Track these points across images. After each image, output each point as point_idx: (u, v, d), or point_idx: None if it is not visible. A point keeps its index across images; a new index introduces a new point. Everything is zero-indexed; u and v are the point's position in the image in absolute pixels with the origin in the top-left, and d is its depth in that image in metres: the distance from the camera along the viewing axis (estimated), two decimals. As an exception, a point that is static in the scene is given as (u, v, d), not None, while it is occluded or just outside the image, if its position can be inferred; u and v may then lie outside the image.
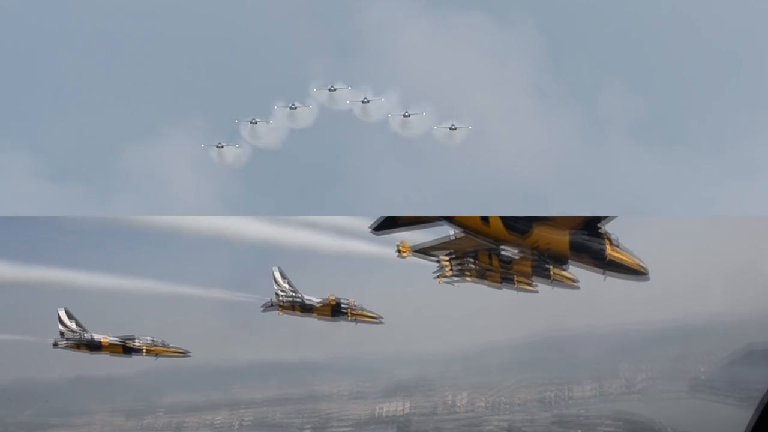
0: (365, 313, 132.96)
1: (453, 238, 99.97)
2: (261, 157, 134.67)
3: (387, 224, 78.78)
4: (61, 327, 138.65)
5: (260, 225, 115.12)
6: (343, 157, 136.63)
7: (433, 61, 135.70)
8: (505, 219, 78.61)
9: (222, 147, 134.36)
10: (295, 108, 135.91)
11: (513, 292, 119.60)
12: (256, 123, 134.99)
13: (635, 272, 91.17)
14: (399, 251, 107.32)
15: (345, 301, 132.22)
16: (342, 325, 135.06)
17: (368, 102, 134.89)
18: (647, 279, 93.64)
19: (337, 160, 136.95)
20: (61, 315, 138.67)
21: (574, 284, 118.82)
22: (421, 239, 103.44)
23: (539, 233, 79.98)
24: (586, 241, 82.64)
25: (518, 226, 79.15)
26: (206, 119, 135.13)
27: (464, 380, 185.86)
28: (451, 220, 77.88)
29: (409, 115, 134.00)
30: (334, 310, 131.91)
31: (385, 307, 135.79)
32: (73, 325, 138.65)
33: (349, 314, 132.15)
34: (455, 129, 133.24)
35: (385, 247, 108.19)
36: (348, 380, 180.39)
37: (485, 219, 78.09)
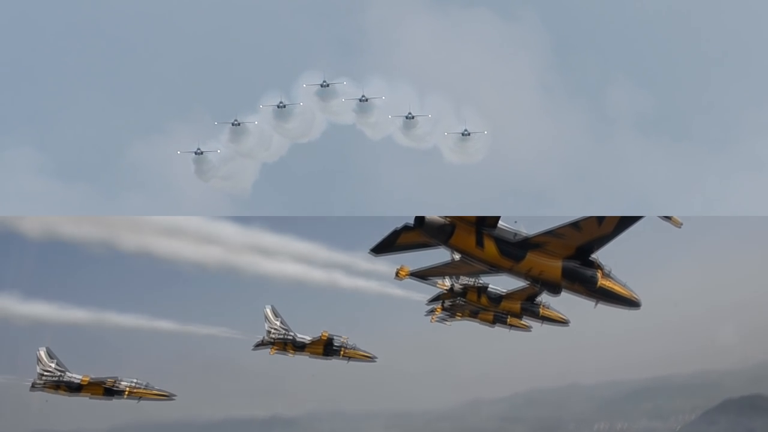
0: (358, 352, 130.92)
1: (450, 261, 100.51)
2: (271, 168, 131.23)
3: (385, 247, 79.46)
4: (40, 368, 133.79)
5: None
6: (349, 163, 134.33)
7: (438, 58, 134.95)
8: (499, 244, 79.47)
9: (201, 153, 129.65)
10: (284, 106, 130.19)
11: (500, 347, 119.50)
12: (238, 124, 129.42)
13: (628, 302, 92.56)
14: (397, 274, 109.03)
15: (338, 339, 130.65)
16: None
17: (366, 100, 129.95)
18: (639, 308, 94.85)
19: (342, 167, 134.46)
20: (41, 355, 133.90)
21: (564, 322, 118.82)
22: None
23: (532, 259, 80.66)
24: (578, 268, 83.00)
25: (512, 252, 79.94)
26: (186, 122, 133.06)
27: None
28: (447, 242, 78.15)
29: (413, 117, 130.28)
30: (327, 349, 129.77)
31: (374, 346, 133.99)
32: (53, 366, 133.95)
33: (342, 353, 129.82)
34: (468, 135, 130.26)
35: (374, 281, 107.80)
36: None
37: (480, 243, 78.94)
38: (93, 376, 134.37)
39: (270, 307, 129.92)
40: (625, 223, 79.11)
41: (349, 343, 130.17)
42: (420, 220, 76.21)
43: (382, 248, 79.80)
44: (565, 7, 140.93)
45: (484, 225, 78.74)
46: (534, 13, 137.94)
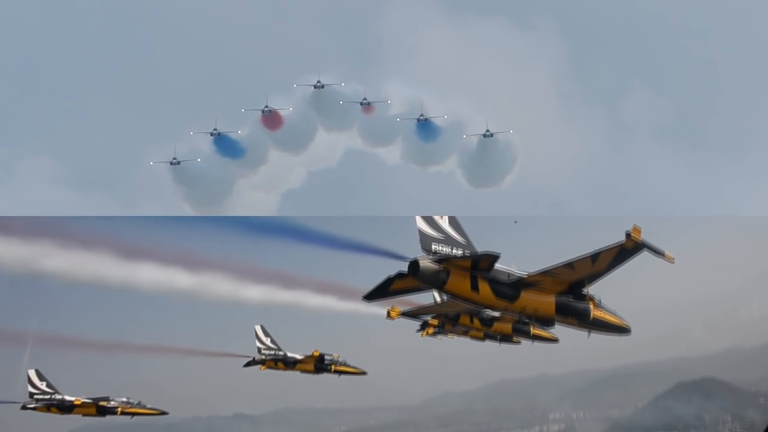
0: (348, 368, 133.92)
1: (441, 302, 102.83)
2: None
3: (378, 293, 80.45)
4: (30, 388, 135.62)
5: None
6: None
7: (453, 66, 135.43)
8: (493, 286, 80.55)
9: (178, 163, 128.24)
10: (270, 112, 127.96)
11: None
12: (218, 135, 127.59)
13: (618, 329, 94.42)
14: (389, 314, 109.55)
15: (329, 356, 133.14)
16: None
17: (369, 104, 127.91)
18: (629, 334, 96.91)
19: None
20: (31, 376, 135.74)
21: (554, 340, 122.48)
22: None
23: (527, 298, 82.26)
24: (571, 303, 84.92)
25: (507, 293, 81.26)
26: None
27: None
28: (442, 288, 79.23)
29: (426, 119, 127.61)
30: (318, 365, 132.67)
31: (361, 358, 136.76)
32: (44, 386, 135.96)
33: (332, 368, 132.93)
34: (491, 135, 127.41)
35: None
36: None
37: (475, 287, 80.00)
38: (84, 397, 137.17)
39: (260, 326, 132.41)
40: (618, 259, 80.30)
41: (339, 359, 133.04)
42: (414, 268, 76.58)
43: (376, 295, 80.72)
44: (582, 15, 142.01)
45: (479, 269, 79.44)
46: (551, 22, 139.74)
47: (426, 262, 77.34)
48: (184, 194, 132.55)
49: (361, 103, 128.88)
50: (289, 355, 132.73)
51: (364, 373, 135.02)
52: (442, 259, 77.91)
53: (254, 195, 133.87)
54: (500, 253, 79.41)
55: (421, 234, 78.93)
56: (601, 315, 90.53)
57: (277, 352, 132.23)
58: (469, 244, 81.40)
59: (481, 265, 79.53)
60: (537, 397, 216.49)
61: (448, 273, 77.83)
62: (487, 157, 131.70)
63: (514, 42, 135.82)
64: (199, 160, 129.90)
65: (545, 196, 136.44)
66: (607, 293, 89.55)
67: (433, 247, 78.84)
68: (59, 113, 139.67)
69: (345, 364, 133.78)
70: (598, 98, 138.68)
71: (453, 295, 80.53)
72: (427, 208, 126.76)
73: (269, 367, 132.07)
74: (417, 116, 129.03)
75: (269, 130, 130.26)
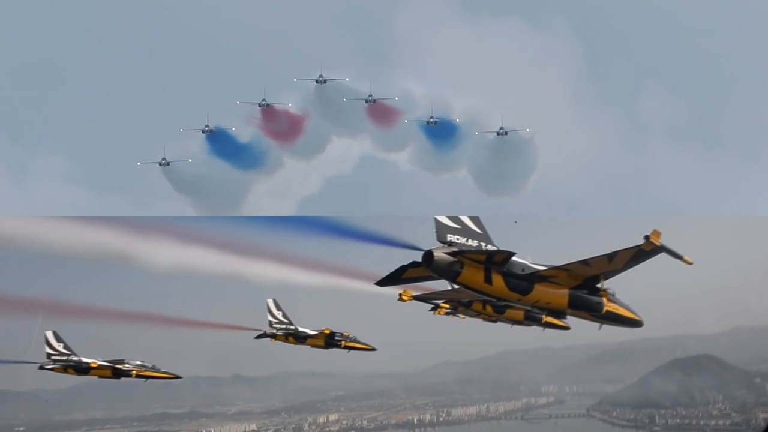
0: (358, 344, 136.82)
1: (453, 287, 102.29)
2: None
3: (391, 280, 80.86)
4: (48, 349, 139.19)
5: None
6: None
7: (467, 66, 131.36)
8: (507, 279, 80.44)
9: (168, 164, 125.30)
10: (267, 106, 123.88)
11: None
12: (211, 132, 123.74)
13: (630, 322, 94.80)
14: (401, 297, 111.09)
15: (339, 334, 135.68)
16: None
17: (374, 101, 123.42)
18: (641, 327, 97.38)
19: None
20: (48, 337, 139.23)
21: (566, 328, 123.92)
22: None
23: (540, 291, 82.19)
24: (584, 297, 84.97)
25: (520, 286, 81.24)
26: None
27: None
28: (455, 280, 79.23)
29: (436, 122, 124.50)
30: (328, 341, 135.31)
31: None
32: (60, 348, 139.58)
33: (342, 344, 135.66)
34: (505, 134, 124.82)
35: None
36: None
37: (488, 279, 79.66)
38: (101, 359, 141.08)
39: (272, 300, 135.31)
40: (635, 260, 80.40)
41: (349, 336, 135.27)
42: (428, 258, 76.27)
43: (388, 281, 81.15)
44: (597, 15, 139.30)
45: (493, 263, 79.35)
46: (565, 21, 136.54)
47: (440, 254, 77.60)
48: (195, 198, 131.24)
49: (367, 101, 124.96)
50: (300, 329, 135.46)
51: (373, 349, 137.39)
52: (457, 253, 78.21)
53: (268, 201, 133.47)
54: (516, 252, 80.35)
55: (438, 223, 79.28)
56: (614, 308, 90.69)
57: (288, 327, 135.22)
58: (485, 235, 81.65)
59: (495, 259, 79.97)
60: (534, 370, 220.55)
61: (462, 265, 78.07)
62: (503, 165, 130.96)
63: (528, 42, 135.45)
64: (190, 160, 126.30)
65: (560, 197, 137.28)
66: (621, 284, 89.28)
67: (449, 237, 78.98)
68: (74, 112, 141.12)
69: (355, 340, 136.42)
70: (612, 98, 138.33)
71: (465, 287, 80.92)
72: (442, 210, 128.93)
73: (279, 341, 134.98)
74: (428, 118, 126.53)
75: (284, 141, 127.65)
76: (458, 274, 78.61)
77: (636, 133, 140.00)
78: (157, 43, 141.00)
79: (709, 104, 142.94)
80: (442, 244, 78.86)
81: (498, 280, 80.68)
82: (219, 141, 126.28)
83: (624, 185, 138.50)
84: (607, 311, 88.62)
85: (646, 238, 76.81)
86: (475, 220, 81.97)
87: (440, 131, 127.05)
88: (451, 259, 77.60)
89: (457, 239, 79.70)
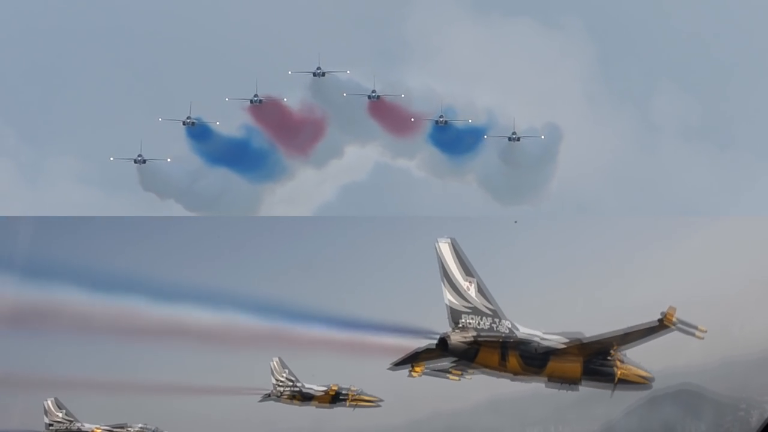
0: (364, 398, 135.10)
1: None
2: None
3: (405, 362, 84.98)
4: (46, 419, 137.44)
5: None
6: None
7: (479, 66, 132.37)
8: (522, 357, 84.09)
9: (144, 162, 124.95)
10: (260, 102, 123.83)
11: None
12: (193, 124, 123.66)
13: (642, 387, 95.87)
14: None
15: (345, 390, 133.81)
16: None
17: (378, 97, 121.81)
18: (651, 387, 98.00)
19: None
20: (49, 405, 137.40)
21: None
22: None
23: (554, 365, 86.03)
24: (597, 368, 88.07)
25: (535, 362, 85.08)
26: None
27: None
28: (471, 361, 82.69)
29: (445, 122, 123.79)
30: (334, 399, 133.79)
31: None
32: (62, 415, 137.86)
33: (348, 401, 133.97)
34: (517, 140, 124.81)
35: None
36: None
37: (504, 359, 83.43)
38: (102, 424, 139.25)
39: (277, 359, 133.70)
40: (647, 335, 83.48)
41: (356, 390, 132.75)
42: (444, 344, 79.65)
43: (403, 363, 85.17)
44: (609, 15, 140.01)
45: (509, 346, 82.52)
46: (578, 21, 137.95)
47: (455, 341, 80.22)
48: (207, 203, 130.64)
49: (370, 97, 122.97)
50: (306, 388, 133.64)
51: (378, 403, 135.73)
52: (473, 343, 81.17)
53: (282, 207, 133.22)
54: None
55: (450, 308, 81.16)
56: (626, 373, 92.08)
57: (293, 386, 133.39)
58: (497, 312, 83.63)
59: (510, 343, 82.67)
60: (523, 415, 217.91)
61: (478, 348, 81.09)
62: (519, 178, 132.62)
63: (541, 42, 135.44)
64: (168, 160, 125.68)
65: (573, 197, 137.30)
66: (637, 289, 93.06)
67: (462, 319, 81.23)
68: (85, 113, 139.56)
69: (361, 394, 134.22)
70: (626, 98, 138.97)
71: (482, 367, 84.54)
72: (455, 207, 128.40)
73: (285, 402, 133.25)
74: (437, 117, 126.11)
75: (299, 154, 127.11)
76: (475, 356, 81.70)
77: (649, 134, 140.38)
78: (161, 43, 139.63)
79: (722, 104, 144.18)
80: (456, 328, 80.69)
81: (513, 360, 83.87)
82: (230, 148, 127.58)
83: (637, 185, 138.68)
84: (620, 379, 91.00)
85: (661, 319, 79.35)
86: (481, 291, 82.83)
87: (450, 132, 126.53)
88: (466, 346, 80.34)
89: (470, 322, 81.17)
